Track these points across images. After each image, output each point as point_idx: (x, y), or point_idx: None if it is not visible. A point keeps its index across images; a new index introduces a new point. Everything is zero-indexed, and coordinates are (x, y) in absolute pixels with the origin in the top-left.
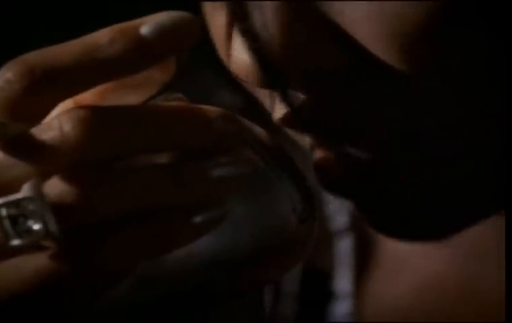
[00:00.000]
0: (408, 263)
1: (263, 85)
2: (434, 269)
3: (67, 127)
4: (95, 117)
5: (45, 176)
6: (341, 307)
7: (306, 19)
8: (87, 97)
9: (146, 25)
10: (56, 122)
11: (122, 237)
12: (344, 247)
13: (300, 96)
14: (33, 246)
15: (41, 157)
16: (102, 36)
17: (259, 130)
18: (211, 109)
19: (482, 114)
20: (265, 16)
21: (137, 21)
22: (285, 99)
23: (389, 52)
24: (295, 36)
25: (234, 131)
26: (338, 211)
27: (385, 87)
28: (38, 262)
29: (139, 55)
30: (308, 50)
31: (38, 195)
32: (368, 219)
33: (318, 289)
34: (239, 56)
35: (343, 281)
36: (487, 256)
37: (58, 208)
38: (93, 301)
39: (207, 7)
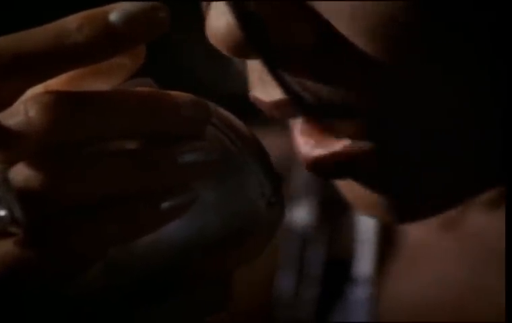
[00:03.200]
0: (430, 256)
1: (237, 53)
2: (455, 265)
3: (32, 112)
4: (61, 102)
5: (11, 162)
6: (361, 292)
7: None
8: (57, 83)
9: (115, 12)
10: (22, 107)
11: (90, 224)
12: (367, 233)
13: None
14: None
15: (6, 143)
16: (71, 22)
17: (227, 115)
18: (179, 94)
19: (465, 100)
20: None
21: (106, 7)
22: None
23: (369, 43)
24: (270, 9)
25: (202, 116)
26: None
27: (357, 70)
28: (4, 248)
29: (107, 41)
30: (280, 24)
31: (3, 181)
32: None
33: (340, 274)
34: (214, 23)
35: (364, 266)
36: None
37: (23, 195)
38: (62, 288)
39: None
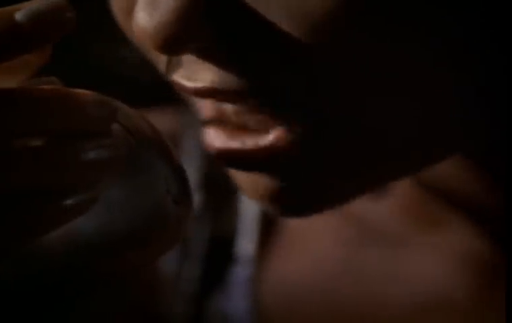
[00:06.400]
0: (310, 237)
1: (169, 49)
2: (333, 248)
3: None
4: None
5: None
6: (242, 273)
7: None
8: None
9: (21, 11)
10: None
11: None
12: (250, 212)
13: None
14: None
15: None
16: None
17: (130, 111)
18: (83, 92)
19: (403, 92)
20: None
21: (12, 7)
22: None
23: (302, 35)
24: None
25: (106, 114)
26: None
27: (289, 63)
28: None
29: (12, 40)
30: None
31: None
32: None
33: (223, 253)
34: (144, 20)
35: (246, 246)
36: (392, 246)
37: None
38: None
39: None
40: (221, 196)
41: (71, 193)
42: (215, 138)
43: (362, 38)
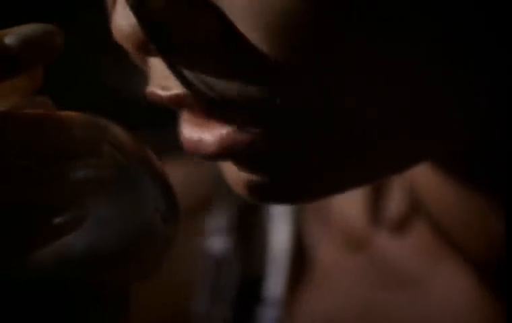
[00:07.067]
0: (337, 278)
1: (140, 51)
2: (359, 288)
3: None
4: None
5: None
6: (270, 314)
7: None
8: None
9: (10, 36)
10: None
11: None
12: (279, 254)
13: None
14: None
15: None
16: None
17: (120, 132)
18: (72, 114)
19: (364, 93)
20: None
21: (3, 31)
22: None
23: (268, 39)
24: (174, 8)
25: (96, 134)
26: (278, 219)
27: (255, 66)
28: None
29: (3, 64)
30: (184, 22)
31: None
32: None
33: (251, 294)
34: (120, 21)
35: (274, 288)
36: (412, 287)
37: None
38: None
39: None
40: (251, 237)
41: (61, 211)
42: (190, 133)
43: (333, 35)
